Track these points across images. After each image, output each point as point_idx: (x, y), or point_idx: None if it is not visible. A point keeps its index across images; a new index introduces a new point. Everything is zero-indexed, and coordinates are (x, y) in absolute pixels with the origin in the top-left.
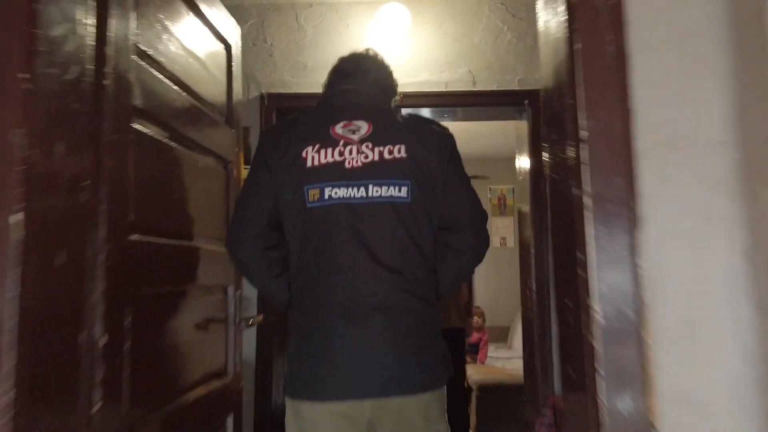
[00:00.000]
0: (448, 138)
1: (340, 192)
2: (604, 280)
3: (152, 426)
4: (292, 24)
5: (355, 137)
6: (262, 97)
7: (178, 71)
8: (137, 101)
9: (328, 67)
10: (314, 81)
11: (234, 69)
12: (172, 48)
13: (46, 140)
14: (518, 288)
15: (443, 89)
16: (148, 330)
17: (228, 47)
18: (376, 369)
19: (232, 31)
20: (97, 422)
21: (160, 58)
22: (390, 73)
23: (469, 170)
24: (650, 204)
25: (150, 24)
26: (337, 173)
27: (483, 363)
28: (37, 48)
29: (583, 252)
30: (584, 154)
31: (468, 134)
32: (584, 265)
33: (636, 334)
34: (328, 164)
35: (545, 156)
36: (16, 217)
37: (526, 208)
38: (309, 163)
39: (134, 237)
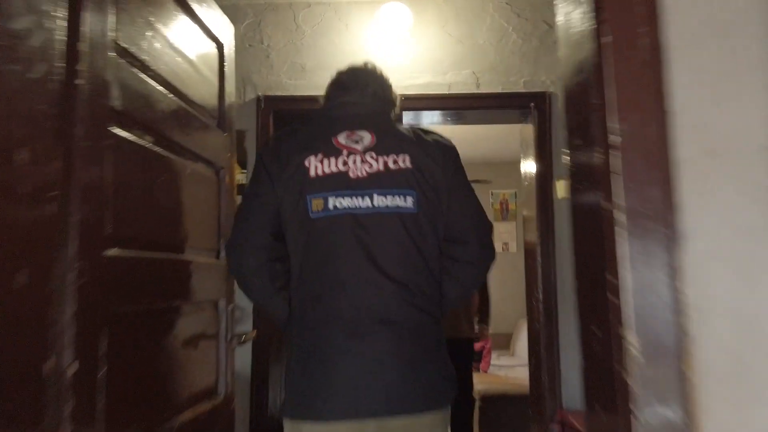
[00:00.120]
0: (451, 149)
1: (345, 202)
2: (640, 307)
3: None
4: (290, 24)
5: (359, 147)
6: (258, 99)
7: (164, 71)
8: (116, 103)
9: (327, 69)
10: (312, 83)
11: (227, 69)
12: (158, 46)
13: (5, 146)
14: (521, 294)
15: (446, 91)
16: (129, 353)
17: (220, 46)
18: (380, 387)
19: (225, 30)
20: None
21: (144, 57)
22: (389, 86)
23: (471, 174)
24: (692, 219)
25: (132, 19)
26: (341, 183)
27: (486, 372)
28: None
29: (615, 274)
30: (615, 162)
31: (469, 138)
32: (616, 290)
33: (677, 370)
34: (332, 174)
35: (566, 162)
36: None
37: (530, 213)
38: (312, 173)
39: (112, 251)
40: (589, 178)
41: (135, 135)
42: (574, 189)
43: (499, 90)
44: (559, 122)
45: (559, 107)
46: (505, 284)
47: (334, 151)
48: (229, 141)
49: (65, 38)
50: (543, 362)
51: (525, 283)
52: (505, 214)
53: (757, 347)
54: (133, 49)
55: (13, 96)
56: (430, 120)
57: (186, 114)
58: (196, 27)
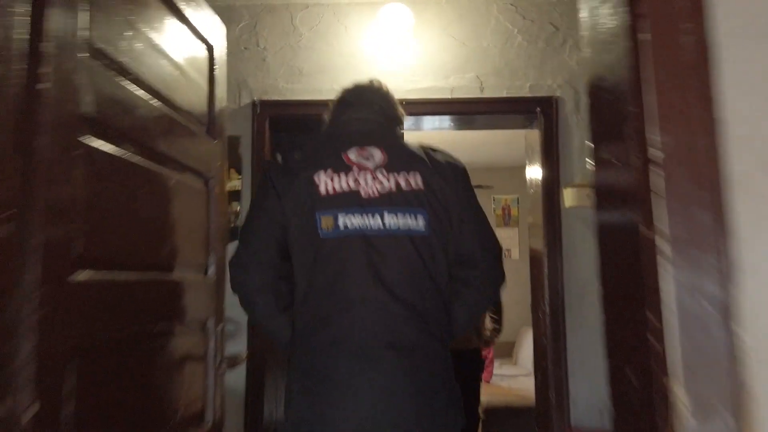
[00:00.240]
0: (462, 169)
1: (356, 221)
2: (689, 355)
3: None
4: (287, 26)
5: (370, 164)
6: (254, 104)
7: (145, 74)
8: (88, 109)
9: (325, 72)
10: (310, 87)
11: (217, 73)
12: (139, 47)
13: None
14: (524, 301)
15: (449, 96)
16: (103, 385)
17: (210, 48)
18: (391, 415)
19: (216, 31)
20: None
21: (122, 59)
22: (395, 103)
23: (472, 179)
24: (748, 248)
25: (108, 18)
26: (352, 201)
27: (488, 382)
28: None
29: (657, 314)
30: (656, 180)
31: (471, 143)
32: (659, 333)
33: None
34: (342, 192)
35: (593, 180)
36: None
37: (535, 220)
38: (322, 189)
39: (82, 275)
40: (621, 198)
41: (111, 144)
42: (600, 207)
43: (503, 94)
44: (566, 128)
45: (566, 112)
46: (508, 291)
47: (344, 168)
48: (220, 149)
49: (27, 37)
50: (550, 378)
51: (531, 293)
52: (507, 219)
53: None
54: (109, 51)
55: None
56: (432, 125)
57: (171, 121)
58: (183, 27)
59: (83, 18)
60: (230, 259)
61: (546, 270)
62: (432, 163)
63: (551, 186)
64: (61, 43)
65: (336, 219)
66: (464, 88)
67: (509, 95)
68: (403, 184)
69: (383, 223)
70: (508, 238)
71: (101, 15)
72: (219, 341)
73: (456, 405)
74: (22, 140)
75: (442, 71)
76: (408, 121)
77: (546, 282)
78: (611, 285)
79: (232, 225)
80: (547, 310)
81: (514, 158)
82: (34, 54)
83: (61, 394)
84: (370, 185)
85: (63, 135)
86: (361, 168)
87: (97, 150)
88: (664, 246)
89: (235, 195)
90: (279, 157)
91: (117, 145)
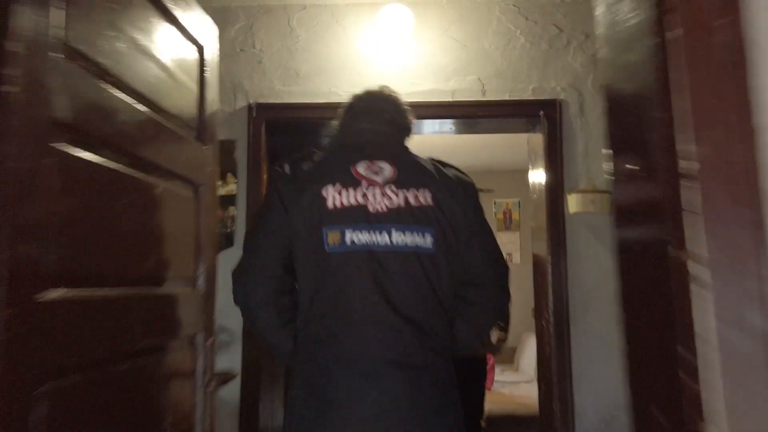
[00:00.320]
0: (471, 186)
1: (363, 237)
2: (732, 398)
3: None
4: (284, 27)
5: (379, 179)
6: (249, 107)
7: (128, 77)
8: (62, 114)
9: (323, 75)
10: (307, 89)
11: (208, 75)
12: (122, 48)
13: None
14: (525, 306)
15: (449, 99)
16: (78, 412)
17: (201, 49)
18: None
19: (207, 31)
20: None
21: (102, 60)
22: (405, 111)
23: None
24: None
25: (87, 17)
26: (359, 216)
27: (489, 389)
28: None
29: (692, 349)
30: (690, 195)
31: (472, 146)
32: (694, 371)
33: None
34: (350, 207)
35: (607, 193)
36: None
37: (537, 224)
38: (330, 204)
39: (55, 293)
40: (645, 213)
41: (89, 152)
42: (620, 223)
43: (506, 97)
44: (570, 132)
45: (570, 116)
46: None
47: (352, 182)
48: (210, 154)
49: None
50: (554, 389)
51: (534, 300)
52: (508, 223)
53: None
54: (87, 52)
55: None
56: (433, 129)
57: (156, 126)
58: (171, 28)
59: (57, 16)
60: (233, 270)
61: (550, 277)
62: (442, 179)
63: (555, 191)
64: (31, 42)
65: (343, 234)
66: (465, 90)
67: (512, 98)
68: (411, 200)
69: (390, 240)
70: (509, 242)
71: (79, 13)
72: (209, 357)
73: (459, 424)
74: None
75: (442, 73)
76: None
77: (550, 289)
78: (634, 310)
79: (228, 230)
80: (551, 318)
81: (516, 161)
82: (0, 54)
83: (26, 426)
84: (378, 201)
85: (32, 142)
86: (370, 183)
87: (73, 157)
88: (698, 270)
89: (231, 199)
90: (287, 167)
91: (96, 153)
